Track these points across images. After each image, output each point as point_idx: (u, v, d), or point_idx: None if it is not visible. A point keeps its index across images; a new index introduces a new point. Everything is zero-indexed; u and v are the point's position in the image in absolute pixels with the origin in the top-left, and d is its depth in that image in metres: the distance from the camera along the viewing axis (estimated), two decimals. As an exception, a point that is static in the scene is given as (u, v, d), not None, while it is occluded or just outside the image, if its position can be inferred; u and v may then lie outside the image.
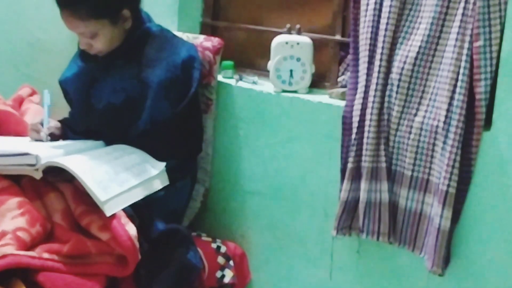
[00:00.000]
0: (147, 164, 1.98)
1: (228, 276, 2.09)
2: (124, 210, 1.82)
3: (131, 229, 1.77)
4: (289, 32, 2.11)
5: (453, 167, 1.70)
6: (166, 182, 2.00)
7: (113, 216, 1.77)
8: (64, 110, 2.26)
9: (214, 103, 2.22)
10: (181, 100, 2.05)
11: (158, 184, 1.97)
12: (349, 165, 1.88)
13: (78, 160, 1.86)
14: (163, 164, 2.00)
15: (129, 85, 2.04)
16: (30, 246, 1.75)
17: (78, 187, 1.83)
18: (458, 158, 1.70)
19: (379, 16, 1.84)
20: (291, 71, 2.08)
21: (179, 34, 2.24)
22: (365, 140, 1.86)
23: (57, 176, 1.87)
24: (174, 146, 2.08)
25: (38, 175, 1.84)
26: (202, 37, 2.25)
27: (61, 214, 1.84)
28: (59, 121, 2.19)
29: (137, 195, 1.89)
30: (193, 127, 2.16)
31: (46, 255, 1.73)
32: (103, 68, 2.09)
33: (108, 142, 2.08)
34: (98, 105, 2.08)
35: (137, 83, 2.04)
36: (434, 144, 1.77)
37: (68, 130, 2.17)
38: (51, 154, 1.88)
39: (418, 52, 1.77)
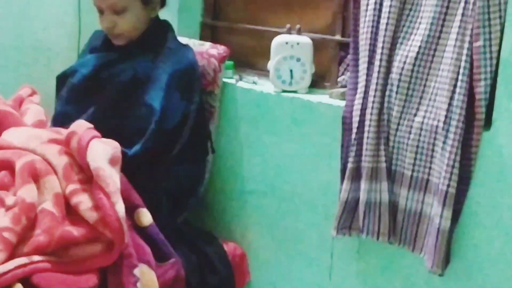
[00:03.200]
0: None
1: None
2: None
3: (120, 209, 1.74)
4: (289, 32, 2.12)
5: (453, 167, 1.70)
6: None
7: (103, 193, 1.74)
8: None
9: (217, 110, 2.22)
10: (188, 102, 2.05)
11: None
12: (349, 165, 1.88)
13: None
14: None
15: (140, 66, 2.04)
16: (17, 243, 1.71)
17: (70, 162, 1.82)
18: (458, 158, 1.70)
19: (379, 16, 1.84)
20: (291, 71, 2.08)
21: (185, 39, 2.25)
22: (365, 140, 1.86)
23: None
24: (181, 152, 2.08)
25: None
26: (208, 44, 2.26)
27: (54, 198, 1.79)
28: None
29: None
30: (200, 133, 2.15)
31: (36, 258, 1.70)
32: (118, 58, 2.09)
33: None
34: (107, 84, 2.07)
35: (151, 65, 2.03)
36: (434, 144, 1.77)
37: None
38: None
39: (418, 52, 1.78)
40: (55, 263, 1.73)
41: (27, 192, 1.79)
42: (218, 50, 2.22)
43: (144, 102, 2.00)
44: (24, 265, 1.69)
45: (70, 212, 1.81)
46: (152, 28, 2.10)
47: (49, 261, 1.72)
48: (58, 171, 1.85)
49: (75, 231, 1.76)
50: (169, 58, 2.05)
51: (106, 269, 1.79)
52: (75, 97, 2.13)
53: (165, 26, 2.16)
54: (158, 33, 2.11)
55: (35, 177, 1.84)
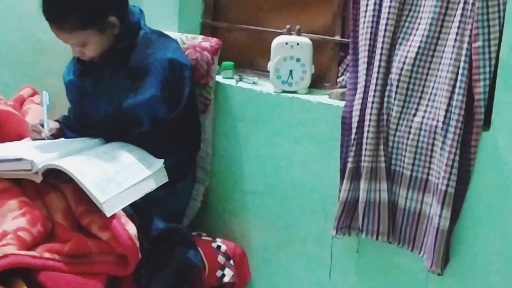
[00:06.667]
0: (145, 162, 1.98)
1: (228, 275, 2.10)
2: (124, 209, 1.83)
3: (131, 229, 1.78)
4: (289, 32, 2.12)
5: (452, 167, 1.71)
6: (165, 179, 2.01)
7: (113, 215, 1.79)
8: (64, 109, 2.27)
9: (212, 103, 2.22)
10: (177, 100, 2.05)
11: (157, 182, 1.98)
12: (349, 165, 1.89)
13: (76, 162, 1.86)
14: (161, 161, 2.01)
15: (124, 97, 2.04)
16: (31, 246, 1.75)
17: (78, 187, 1.84)
18: (457, 158, 1.71)
19: (379, 17, 1.84)
20: (291, 71, 2.09)
21: (177, 35, 2.25)
22: (364, 140, 1.86)
23: (57, 178, 1.88)
24: (173, 145, 2.09)
25: (38, 179, 1.85)
26: (200, 37, 2.26)
27: (62, 213, 1.85)
28: (56, 120, 2.20)
29: (136, 194, 1.90)
30: (191, 126, 2.16)
31: (47, 255, 1.74)
32: (92, 81, 2.10)
33: (108, 141, 2.09)
34: (95, 116, 2.09)
35: (132, 94, 2.03)
36: (433, 144, 1.77)
37: (66, 129, 2.17)
38: (49, 157, 1.88)
39: (417, 53, 1.78)
40: (66, 263, 1.75)
41: (38, 207, 1.85)
42: (210, 42, 2.22)
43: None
44: (33, 256, 1.71)
45: (83, 229, 1.85)
46: (115, 45, 2.06)
47: (59, 260, 1.75)
48: (66, 193, 1.88)
49: (90, 242, 1.79)
50: (144, 69, 2.04)
51: (122, 279, 1.84)
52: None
53: (134, 30, 2.09)
54: (123, 49, 2.07)
55: (40, 195, 1.90)
